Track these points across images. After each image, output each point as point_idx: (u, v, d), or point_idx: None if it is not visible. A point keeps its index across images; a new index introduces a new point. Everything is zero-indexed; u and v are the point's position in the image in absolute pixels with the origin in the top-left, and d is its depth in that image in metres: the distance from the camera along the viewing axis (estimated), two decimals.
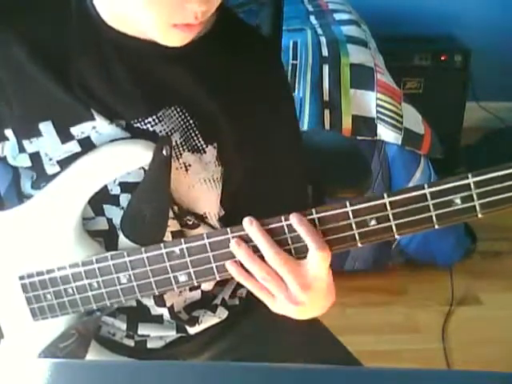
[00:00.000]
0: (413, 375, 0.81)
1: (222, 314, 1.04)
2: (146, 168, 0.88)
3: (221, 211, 0.99)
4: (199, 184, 0.93)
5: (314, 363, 1.01)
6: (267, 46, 1.07)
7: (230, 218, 0.99)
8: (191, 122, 0.92)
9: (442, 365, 1.92)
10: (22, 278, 0.93)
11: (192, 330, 1.01)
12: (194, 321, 1.01)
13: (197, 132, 0.92)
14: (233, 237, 0.82)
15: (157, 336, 1.01)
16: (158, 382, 0.78)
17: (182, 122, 0.92)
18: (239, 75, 0.94)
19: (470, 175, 0.75)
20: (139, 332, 1.00)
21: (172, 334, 1.01)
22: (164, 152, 0.86)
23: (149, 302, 0.98)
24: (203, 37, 0.92)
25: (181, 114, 0.92)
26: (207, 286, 1.02)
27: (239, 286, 1.07)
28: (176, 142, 0.91)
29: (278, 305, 0.83)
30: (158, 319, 1.00)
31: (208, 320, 1.02)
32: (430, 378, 0.80)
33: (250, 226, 0.80)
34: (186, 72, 0.92)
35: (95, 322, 0.96)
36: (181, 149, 0.91)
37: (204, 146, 0.93)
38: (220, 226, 0.99)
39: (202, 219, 0.97)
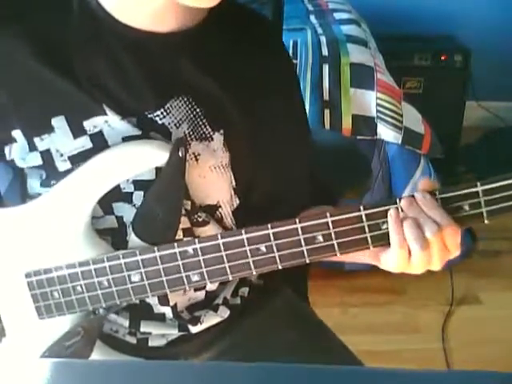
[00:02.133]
0: (413, 375, 0.81)
1: (224, 313, 1.03)
2: (159, 166, 0.88)
3: (235, 201, 0.99)
4: (209, 172, 0.93)
5: (314, 362, 1.01)
6: (271, 29, 1.07)
7: (244, 208, 0.99)
8: (198, 110, 0.92)
9: (441, 365, 1.92)
10: (28, 275, 0.93)
11: (194, 329, 1.01)
12: (196, 320, 1.01)
13: (204, 120, 0.92)
14: (247, 238, 0.82)
15: (159, 334, 1.01)
16: (159, 381, 0.78)
17: (189, 112, 0.92)
18: (243, 60, 0.95)
19: (478, 183, 0.78)
20: (141, 329, 1.00)
21: (174, 333, 1.01)
22: (180, 153, 0.86)
23: (152, 301, 0.98)
24: (203, 24, 0.92)
25: (188, 103, 0.92)
26: (212, 286, 1.02)
27: (241, 284, 1.07)
28: (184, 132, 0.91)
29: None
30: (160, 317, 1.00)
31: (210, 319, 1.02)
32: (429, 378, 0.80)
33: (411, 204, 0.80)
34: (189, 60, 0.92)
35: (101, 320, 0.96)
36: (189, 139, 0.92)
37: (211, 133, 0.93)
38: (232, 216, 0.99)
39: (214, 212, 0.97)
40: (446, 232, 0.79)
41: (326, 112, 2.11)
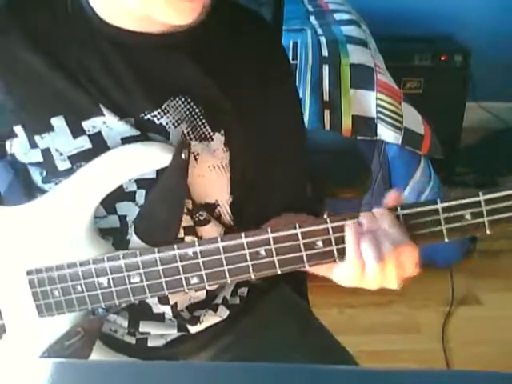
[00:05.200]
0: (413, 375, 0.81)
1: (223, 313, 1.04)
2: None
3: (230, 197, 0.99)
4: (209, 171, 0.94)
5: (312, 362, 1.01)
6: (268, 29, 1.07)
7: (238, 205, 0.99)
8: (197, 110, 0.92)
9: (442, 365, 1.92)
10: (29, 273, 0.93)
11: (193, 329, 1.01)
12: (195, 320, 1.01)
13: (203, 120, 0.93)
14: (247, 241, 0.82)
15: (158, 334, 1.01)
16: (159, 382, 0.78)
17: (187, 112, 0.92)
18: (240, 59, 0.95)
19: (480, 193, 0.78)
20: (140, 330, 1.00)
21: (173, 333, 1.01)
22: (183, 155, 0.87)
23: (152, 300, 0.98)
24: (201, 23, 0.92)
25: (186, 103, 0.92)
26: None
27: (240, 285, 1.07)
28: (183, 132, 0.91)
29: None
30: (160, 317, 1.00)
31: (209, 319, 1.02)
32: (430, 378, 0.80)
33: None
34: (187, 60, 0.92)
35: (101, 320, 0.96)
36: (188, 139, 0.92)
37: (211, 133, 0.93)
38: (231, 213, 1.00)
39: (212, 210, 0.97)
40: (402, 250, 0.80)
41: (326, 113, 2.11)
